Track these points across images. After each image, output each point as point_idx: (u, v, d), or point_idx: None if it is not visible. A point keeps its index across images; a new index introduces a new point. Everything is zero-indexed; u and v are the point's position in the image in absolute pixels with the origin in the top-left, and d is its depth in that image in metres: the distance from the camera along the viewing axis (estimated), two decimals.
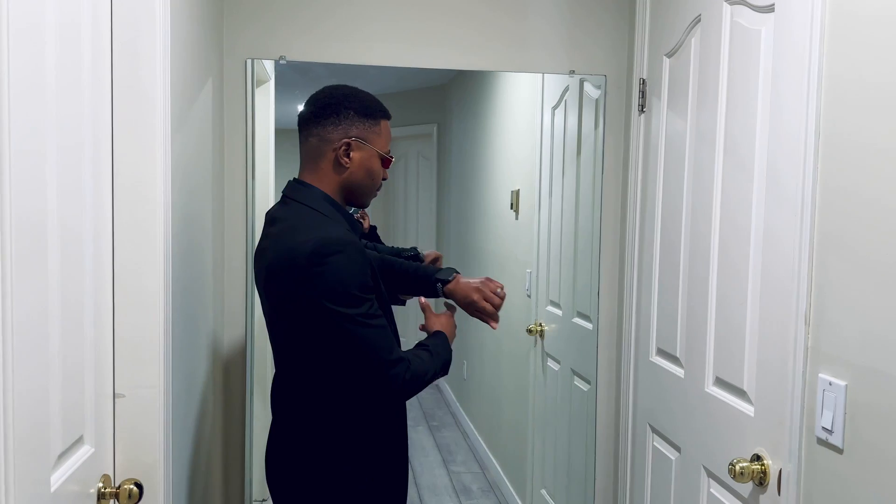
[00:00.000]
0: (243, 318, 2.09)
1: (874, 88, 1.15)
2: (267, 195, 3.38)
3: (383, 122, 1.48)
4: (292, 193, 1.45)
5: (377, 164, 1.47)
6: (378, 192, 1.52)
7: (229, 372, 2.09)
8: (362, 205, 1.52)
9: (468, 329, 4.51)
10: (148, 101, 1.29)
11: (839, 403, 1.22)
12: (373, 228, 2.91)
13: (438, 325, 1.61)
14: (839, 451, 1.23)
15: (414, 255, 2.00)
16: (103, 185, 1.25)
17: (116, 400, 1.32)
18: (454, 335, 1.63)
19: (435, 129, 5.03)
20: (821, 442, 1.27)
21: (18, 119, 0.89)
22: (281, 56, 2.02)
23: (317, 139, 1.43)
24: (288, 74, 3.83)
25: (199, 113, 1.69)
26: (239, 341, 2.09)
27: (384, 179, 1.51)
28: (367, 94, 1.50)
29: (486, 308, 1.70)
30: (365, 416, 1.47)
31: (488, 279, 1.73)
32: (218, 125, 1.96)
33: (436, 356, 1.50)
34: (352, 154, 1.43)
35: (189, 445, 1.64)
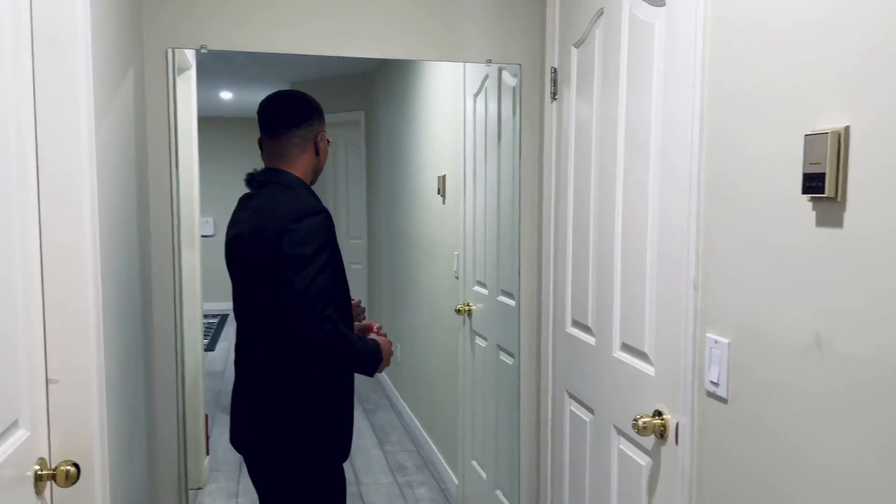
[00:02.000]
0: (172, 305, 2.11)
1: (744, 89, 1.30)
2: (191, 181, 3.38)
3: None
4: (274, 178, 1.75)
5: (328, 150, 1.86)
6: None
7: (161, 353, 2.12)
8: (315, 181, 1.85)
9: (401, 311, 4.60)
10: (72, 94, 1.31)
11: (724, 359, 1.37)
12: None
13: (378, 340, 1.81)
14: (724, 401, 1.38)
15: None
16: (28, 175, 1.27)
17: (50, 385, 1.35)
18: (386, 360, 1.80)
19: (362, 116, 5.08)
20: (710, 395, 1.43)
21: None
22: (202, 45, 2.04)
23: (300, 138, 1.77)
24: (210, 62, 3.80)
25: (122, 104, 1.71)
26: (168, 327, 2.12)
27: None
28: (311, 96, 1.85)
29: None
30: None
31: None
32: (140, 115, 1.97)
33: (361, 346, 1.71)
34: (321, 146, 1.81)
35: (126, 426, 1.67)
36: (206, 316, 5.76)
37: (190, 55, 3.26)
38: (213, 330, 7.10)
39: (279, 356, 1.69)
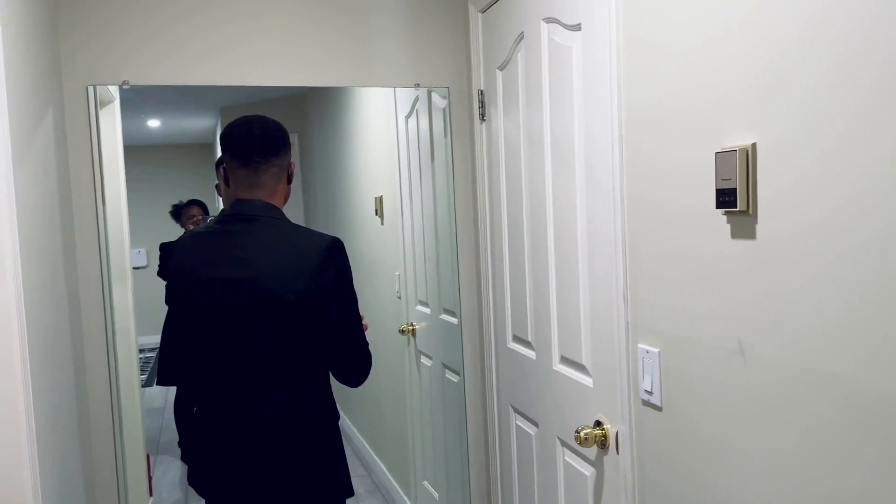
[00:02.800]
0: (104, 344, 2.06)
1: (659, 108, 1.36)
2: (120, 213, 3.29)
3: None
4: (261, 210, 1.63)
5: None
6: None
7: (95, 395, 2.05)
8: None
9: None
10: None
11: (655, 368, 1.43)
12: None
13: None
14: (659, 409, 1.43)
15: None
16: None
17: None
18: None
19: (296, 138, 5.05)
20: (645, 403, 1.48)
21: None
22: (124, 81, 2.01)
23: (277, 168, 1.67)
24: (137, 92, 3.72)
25: (41, 144, 1.67)
26: (101, 367, 2.06)
27: None
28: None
29: None
30: (329, 391, 1.71)
31: None
32: (62, 153, 1.92)
33: None
34: (292, 172, 1.74)
35: (61, 475, 1.61)
36: (141, 350, 5.56)
37: (113, 89, 3.19)
38: (150, 365, 6.89)
39: (303, 397, 1.62)
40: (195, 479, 1.68)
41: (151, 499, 3.51)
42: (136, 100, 3.87)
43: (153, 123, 6.16)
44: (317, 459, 1.63)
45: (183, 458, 3.92)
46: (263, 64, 2.13)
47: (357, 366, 1.64)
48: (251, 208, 1.62)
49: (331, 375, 1.67)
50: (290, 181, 1.72)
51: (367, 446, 4.11)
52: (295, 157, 5.33)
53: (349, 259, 1.63)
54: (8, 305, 1.31)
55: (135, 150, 4.71)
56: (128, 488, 2.34)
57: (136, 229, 4.31)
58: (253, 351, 1.58)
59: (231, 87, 2.19)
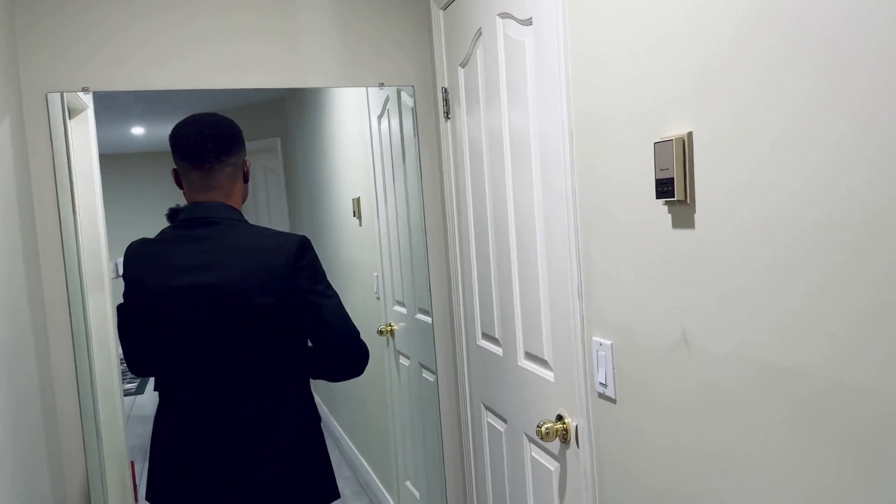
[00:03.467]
0: (72, 356, 2.05)
1: (605, 101, 1.36)
2: (95, 222, 3.29)
3: None
4: (221, 213, 1.59)
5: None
6: None
7: (63, 411, 2.05)
8: None
9: None
10: None
11: (608, 360, 1.42)
12: None
13: None
14: (613, 401, 1.43)
15: None
16: None
17: None
18: None
19: (278, 142, 5.04)
20: (601, 396, 1.48)
21: None
22: (84, 87, 2.00)
23: (232, 168, 1.61)
24: (117, 99, 3.72)
25: None
26: (69, 378, 2.05)
27: None
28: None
29: None
30: (310, 394, 1.69)
31: None
32: (22, 163, 1.92)
33: None
34: (248, 171, 1.69)
35: (14, 491, 1.61)
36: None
37: (85, 97, 3.18)
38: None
39: (282, 400, 1.59)
40: (155, 494, 1.63)
41: None
42: (119, 103, 3.87)
43: (137, 131, 6.16)
44: (299, 464, 1.60)
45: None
46: (227, 66, 2.12)
47: (351, 359, 1.61)
48: (210, 211, 1.58)
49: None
50: (245, 180, 1.67)
51: (353, 448, 4.10)
52: (277, 161, 5.31)
53: (319, 258, 1.62)
54: None
55: (114, 159, 4.71)
56: (108, 497, 2.34)
57: (121, 238, 4.31)
58: (225, 357, 1.54)
59: (210, 94, 2.18)
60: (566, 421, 1.61)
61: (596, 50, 1.38)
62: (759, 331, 1.03)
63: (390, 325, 3.09)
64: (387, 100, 2.79)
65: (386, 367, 3.22)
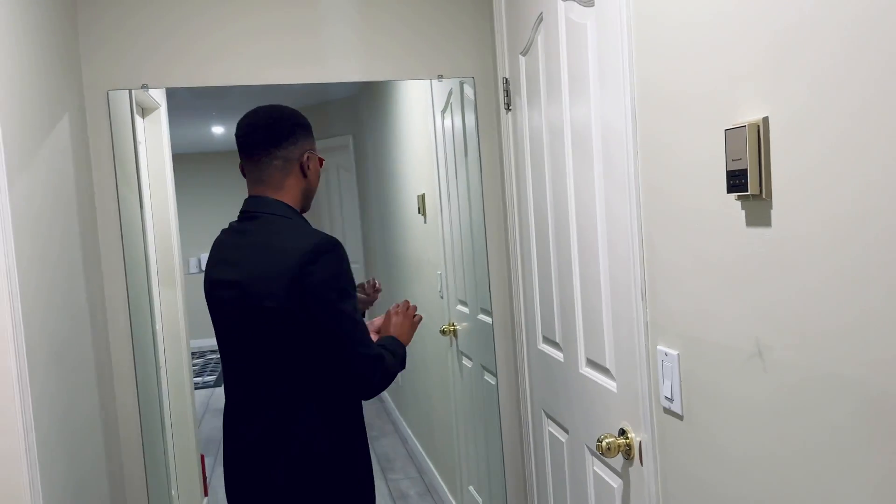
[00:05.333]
0: (130, 352, 2.07)
1: (669, 86, 1.23)
2: (167, 219, 3.36)
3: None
4: (261, 207, 1.54)
5: (319, 170, 1.64)
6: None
7: (122, 401, 2.07)
8: (309, 207, 1.64)
9: None
10: None
11: (675, 372, 1.29)
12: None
13: (392, 327, 1.68)
14: (680, 417, 1.30)
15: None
16: None
17: None
18: (407, 334, 1.68)
19: (350, 140, 5.05)
20: (666, 411, 1.34)
21: None
22: (143, 84, 2.01)
23: (282, 161, 1.54)
24: (195, 98, 3.80)
25: (52, 152, 1.68)
26: (128, 381, 2.07)
27: None
28: (294, 109, 1.63)
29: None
30: (341, 411, 1.53)
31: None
32: (83, 160, 1.94)
33: (395, 355, 1.57)
34: (311, 165, 1.58)
35: (69, 486, 1.62)
36: (200, 354, 5.68)
37: (158, 95, 3.25)
38: (207, 367, 7.04)
39: (294, 414, 1.48)
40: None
41: (206, 498, 3.57)
42: (185, 106, 3.95)
43: (217, 130, 6.32)
44: (315, 486, 1.48)
45: None
46: (282, 61, 2.09)
47: (354, 377, 1.46)
48: (254, 205, 1.55)
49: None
50: (305, 174, 1.56)
51: (420, 448, 4.05)
52: (349, 158, 5.33)
53: (344, 266, 1.48)
54: (1, 312, 1.30)
55: (188, 158, 4.84)
56: (171, 490, 2.37)
57: (193, 236, 4.41)
58: (247, 361, 1.51)
59: (290, 90, 2.16)
60: (629, 436, 1.48)
61: (659, 27, 1.24)
62: (846, 345, 0.88)
63: (453, 325, 3.01)
64: (450, 93, 2.71)
65: (449, 367, 3.14)
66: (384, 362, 1.50)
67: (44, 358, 1.48)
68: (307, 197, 1.60)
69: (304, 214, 1.60)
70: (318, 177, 1.61)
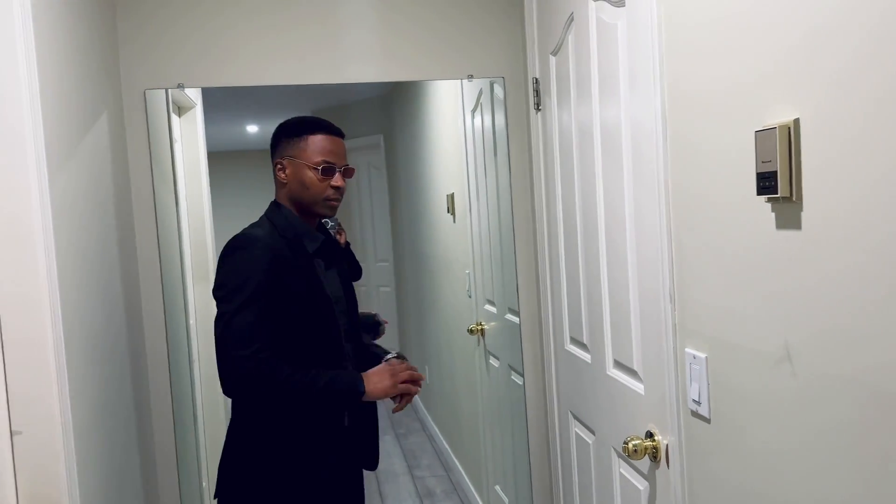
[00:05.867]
0: (164, 348, 2.11)
1: (699, 86, 1.22)
2: (202, 215, 3.42)
3: (310, 137, 1.65)
4: (266, 210, 1.71)
5: (308, 175, 1.64)
6: (335, 201, 1.67)
7: (156, 394, 2.11)
8: (319, 214, 1.69)
9: (426, 333, 4.56)
10: (17, 143, 1.32)
11: (703, 375, 1.28)
12: (347, 245, 2.96)
13: (373, 372, 1.64)
14: (707, 420, 1.28)
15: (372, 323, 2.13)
16: None
17: (14, 437, 1.34)
18: (380, 388, 1.62)
19: (381, 139, 5.08)
20: (694, 414, 1.33)
21: None
22: (179, 83, 2.05)
23: (273, 165, 1.70)
24: (228, 97, 3.86)
25: (92, 149, 1.72)
26: (162, 374, 2.11)
27: (336, 187, 1.65)
28: (305, 117, 1.70)
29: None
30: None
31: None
32: (121, 158, 1.99)
33: (301, 379, 1.54)
34: (286, 171, 1.66)
35: (105, 477, 1.66)
36: None
37: (195, 94, 3.31)
38: None
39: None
40: None
41: None
42: (220, 105, 4.01)
43: (252, 129, 6.41)
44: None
45: None
46: (316, 62, 2.12)
47: (222, 371, 1.52)
48: None
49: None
50: (280, 180, 1.68)
51: (447, 446, 4.06)
52: (380, 157, 5.36)
53: (273, 260, 1.55)
54: (41, 305, 1.34)
55: (222, 156, 4.91)
56: (203, 479, 2.41)
57: (226, 231, 4.49)
58: None
59: (321, 90, 2.20)
60: (656, 438, 1.47)
61: (690, 31, 1.23)
62: (879, 351, 0.86)
63: (481, 324, 3.02)
64: (480, 93, 2.71)
65: (476, 367, 3.14)
66: (253, 366, 1.50)
67: (81, 351, 1.52)
68: (297, 202, 1.67)
69: (336, 215, 1.72)
70: (301, 183, 1.64)
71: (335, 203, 1.68)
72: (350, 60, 2.14)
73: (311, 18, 2.11)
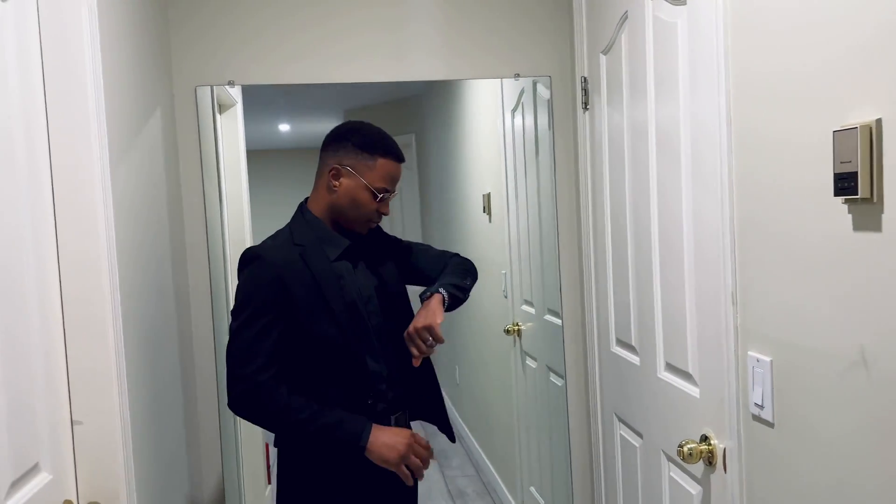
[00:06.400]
0: (212, 340, 2.13)
1: (771, 84, 1.20)
2: (241, 212, 3.44)
3: (381, 160, 1.56)
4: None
5: (364, 196, 1.56)
6: (375, 223, 1.63)
7: (201, 394, 2.13)
8: (355, 230, 1.61)
9: (457, 333, 4.56)
10: (83, 137, 1.34)
11: (767, 379, 1.26)
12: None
13: (384, 438, 1.53)
14: (771, 425, 1.26)
15: None
16: (44, 222, 1.30)
17: (74, 427, 1.36)
18: (384, 459, 1.52)
19: (413, 138, 5.09)
20: (755, 418, 1.31)
21: None
22: (230, 81, 2.07)
23: (321, 163, 1.60)
24: (262, 96, 3.89)
25: (147, 144, 1.74)
26: (208, 365, 2.13)
27: (383, 213, 1.61)
28: (377, 132, 1.60)
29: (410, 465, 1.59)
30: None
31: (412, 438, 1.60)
32: (172, 154, 2.01)
33: (301, 413, 1.49)
34: (341, 180, 1.56)
35: (156, 465, 1.68)
36: None
37: (235, 92, 3.34)
38: None
39: None
40: None
41: (269, 486, 3.65)
42: (265, 99, 4.04)
43: (284, 127, 6.46)
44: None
45: None
46: (359, 61, 2.12)
47: (228, 389, 1.52)
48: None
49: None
50: (331, 187, 1.55)
51: (478, 446, 4.05)
52: (411, 157, 5.38)
53: (276, 279, 1.50)
54: (103, 297, 1.36)
55: (260, 154, 4.94)
56: (241, 476, 2.43)
57: (263, 229, 4.52)
58: None
59: (354, 89, 2.20)
60: (712, 442, 1.45)
61: (760, 29, 1.21)
62: None
63: (517, 325, 3.00)
64: (521, 92, 2.70)
65: (512, 367, 3.13)
66: (251, 388, 1.48)
67: (136, 343, 1.54)
68: (337, 213, 1.58)
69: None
70: (352, 201, 1.55)
71: (375, 225, 1.64)
72: (399, 59, 2.14)
73: (361, 19, 2.12)
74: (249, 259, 1.53)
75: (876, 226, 0.98)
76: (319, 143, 1.62)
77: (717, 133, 1.36)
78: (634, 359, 1.86)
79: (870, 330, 1.00)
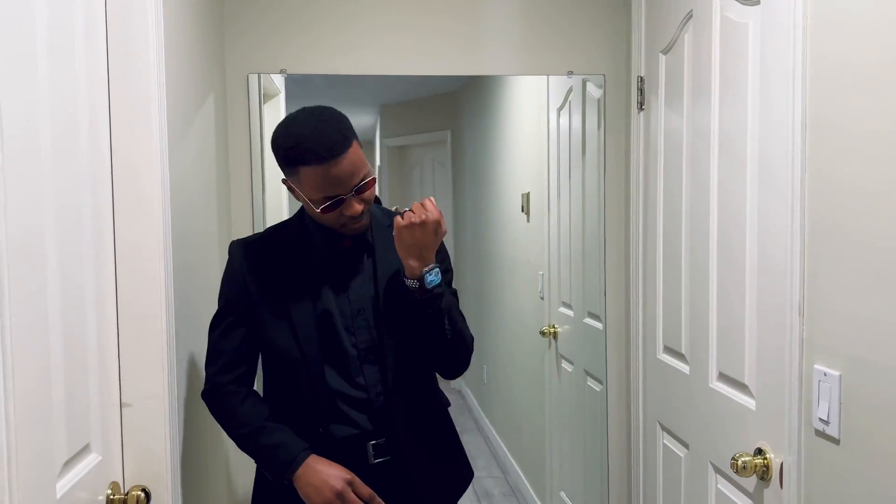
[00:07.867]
0: None
1: (858, 77, 1.15)
2: (280, 208, 3.45)
3: (303, 170, 1.32)
4: None
5: (312, 209, 1.38)
6: (355, 222, 1.40)
7: None
8: (343, 236, 1.45)
9: (485, 332, 4.52)
10: (144, 119, 1.33)
11: (834, 394, 1.21)
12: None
13: (313, 478, 1.38)
14: (836, 441, 1.22)
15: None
16: (103, 207, 1.29)
17: (123, 409, 1.35)
18: (308, 496, 1.37)
19: (449, 135, 5.06)
20: (819, 433, 1.27)
21: (13, 146, 0.93)
22: (282, 69, 2.06)
23: None
24: (302, 87, 3.90)
25: (200, 130, 1.74)
26: None
27: (351, 216, 1.37)
28: (294, 135, 1.34)
29: None
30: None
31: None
32: (222, 141, 2.00)
33: (252, 439, 1.43)
34: (294, 193, 1.42)
35: (197, 450, 1.67)
36: None
37: (279, 82, 3.34)
38: None
39: None
40: None
41: None
42: (304, 91, 4.05)
43: None
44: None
45: None
46: (409, 54, 2.10)
47: None
48: None
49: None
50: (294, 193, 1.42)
51: (504, 447, 4.02)
52: (446, 153, 5.31)
53: (228, 271, 1.50)
54: (157, 281, 1.35)
55: None
56: None
57: None
58: None
59: (389, 83, 2.18)
60: (767, 456, 1.41)
61: (843, 32, 1.17)
62: None
63: (553, 327, 2.97)
64: (569, 91, 2.66)
65: (546, 370, 3.10)
66: (209, 389, 1.49)
67: (182, 328, 1.54)
68: (312, 216, 1.42)
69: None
70: (313, 212, 1.37)
71: (356, 225, 1.41)
72: (452, 54, 2.11)
73: (414, 13, 2.09)
74: (229, 252, 1.51)
75: None
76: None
77: (789, 135, 1.31)
78: (683, 367, 1.81)
79: None
